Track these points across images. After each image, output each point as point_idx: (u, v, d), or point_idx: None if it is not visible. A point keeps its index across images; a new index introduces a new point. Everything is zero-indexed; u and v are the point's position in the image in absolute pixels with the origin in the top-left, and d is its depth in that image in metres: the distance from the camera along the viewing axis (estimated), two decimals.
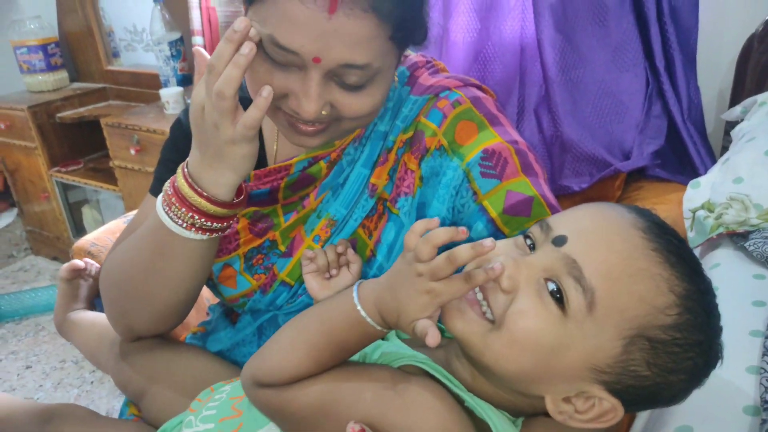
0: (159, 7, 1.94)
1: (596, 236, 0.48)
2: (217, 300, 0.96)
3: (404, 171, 0.71)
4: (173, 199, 0.63)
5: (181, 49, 1.99)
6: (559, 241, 0.48)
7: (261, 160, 0.76)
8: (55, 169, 2.31)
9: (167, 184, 0.64)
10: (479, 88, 0.75)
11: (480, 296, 0.49)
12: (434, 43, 1.39)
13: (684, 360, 0.46)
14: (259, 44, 0.58)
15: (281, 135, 0.75)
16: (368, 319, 0.51)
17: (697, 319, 0.46)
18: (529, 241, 0.51)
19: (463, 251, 0.46)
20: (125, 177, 2.06)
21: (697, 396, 0.61)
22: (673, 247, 0.47)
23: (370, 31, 0.55)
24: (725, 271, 0.80)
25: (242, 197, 0.66)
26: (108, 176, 2.20)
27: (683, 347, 0.45)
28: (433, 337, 0.46)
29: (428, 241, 0.47)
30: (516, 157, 0.66)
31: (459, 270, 0.47)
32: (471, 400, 0.51)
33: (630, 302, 0.45)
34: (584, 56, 1.23)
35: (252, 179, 0.74)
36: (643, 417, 0.66)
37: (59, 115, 2.26)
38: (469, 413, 0.51)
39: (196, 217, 0.63)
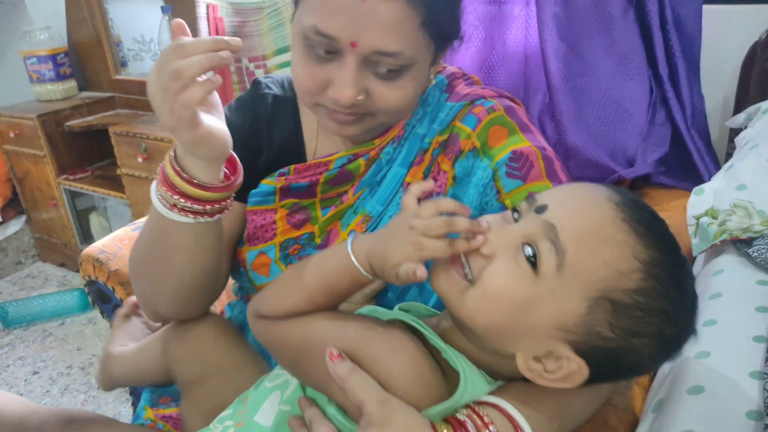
0: (167, 18, 1.96)
1: (574, 205, 0.52)
2: (236, 297, 0.97)
3: (437, 171, 0.75)
4: (158, 178, 0.65)
5: None
6: (541, 209, 0.53)
7: (302, 157, 0.81)
8: (63, 176, 2.34)
9: (159, 166, 0.66)
10: (511, 100, 0.79)
11: (464, 259, 0.53)
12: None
13: (647, 325, 0.48)
14: (304, 41, 0.64)
15: (320, 133, 0.80)
16: (356, 265, 0.56)
17: (663, 286, 0.48)
18: (516, 215, 0.55)
19: (462, 221, 0.52)
20: (132, 185, 2.08)
21: (700, 401, 0.61)
22: (642, 218, 0.50)
23: (400, 13, 0.60)
24: (729, 277, 0.81)
25: (230, 182, 0.66)
26: (115, 184, 2.22)
27: (646, 311, 0.48)
28: (421, 272, 0.51)
29: (436, 204, 0.54)
30: (542, 161, 0.70)
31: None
32: (447, 351, 0.54)
33: (596, 265, 0.48)
34: (588, 64, 1.23)
35: (292, 173, 0.78)
36: (646, 422, 0.66)
37: (68, 123, 2.29)
38: (445, 365, 0.55)
39: (177, 197, 0.63)
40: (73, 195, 2.40)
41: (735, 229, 0.84)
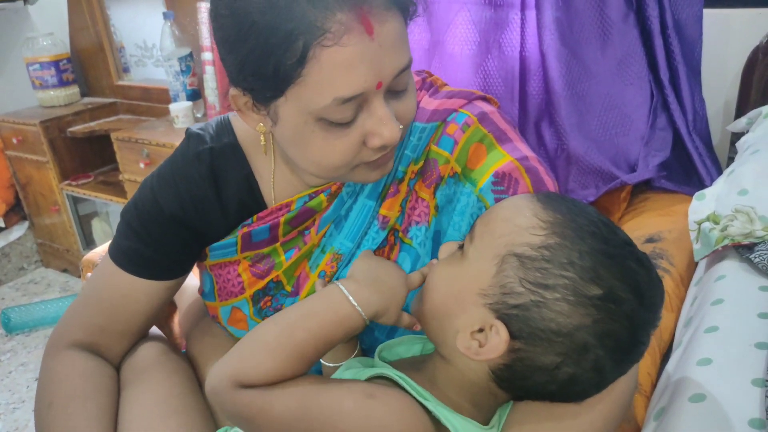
0: (169, 24, 1.97)
1: (498, 203, 0.59)
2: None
3: (415, 200, 0.71)
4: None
5: (190, 64, 2.02)
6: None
7: (261, 204, 0.75)
8: (66, 182, 2.34)
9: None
10: (484, 99, 0.74)
11: None
12: (428, 55, 1.39)
13: (555, 277, 0.50)
14: (317, 123, 0.57)
15: (277, 174, 0.74)
16: (363, 315, 0.59)
17: (568, 241, 0.51)
18: None
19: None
20: (134, 190, 2.08)
21: (702, 409, 0.61)
22: (551, 197, 0.55)
23: (399, 25, 0.57)
24: (731, 283, 0.80)
25: None
26: (117, 189, 2.23)
27: (553, 263, 0.50)
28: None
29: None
30: (527, 176, 0.66)
31: None
32: (433, 408, 0.54)
33: (496, 226, 0.54)
34: (589, 70, 1.23)
35: (255, 221, 0.73)
36: (648, 429, 0.65)
37: (70, 129, 2.30)
38: (436, 422, 0.55)
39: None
40: (76, 200, 2.40)
41: (737, 235, 0.84)
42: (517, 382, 0.54)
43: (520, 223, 0.53)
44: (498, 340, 0.51)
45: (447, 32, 1.32)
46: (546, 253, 0.50)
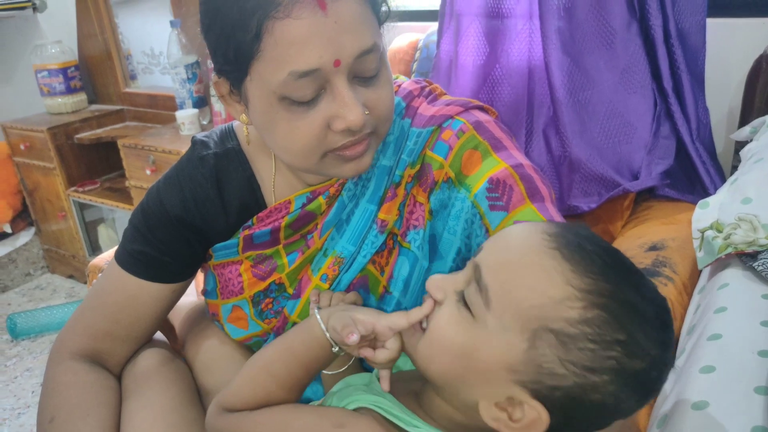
0: (176, 32, 1.99)
1: (501, 241, 0.52)
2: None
3: (413, 204, 0.71)
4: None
5: (196, 71, 2.04)
6: (476, 252, 0.53)
7: (262, 205, 0.76)
8: (73, 188, 2.36)
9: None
10: (481, 109, 0.74)
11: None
12: (445, 68, 1.42)
13: (604, 359, 0.45)
14: (280, 102, 0.59)
15: (277, 175, 0.75)
16: (328, 337, 0.58)
17: (612, 315, 0.45)
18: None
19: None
20: (141, 197, 2.09)
21: (704, 416, 0.61)
22: (579, 246, 0.48)
23: (359, 6, 0.58)
24: (734, 291, 0.80)
25: None
26: (124, 196, 2.24)
27: (599, 344, 0.45)
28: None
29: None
30: (521, 183, 0.66)
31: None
32: None
33: (522, 293, 0.47)
34: (592, 78, 1.24)
35: (255, 223, 0.74)
36: None
37: (77, 136, 2.32)
38: None
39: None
40: (82, 207, 2.42)
41: (740, 243, 0.84)
42: None
43: (553, 294, 0.46)
44: (535, 418, 0.47)
45: (460, 44, 1.33)
46: (588, 330, 0.45)
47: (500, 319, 0.48)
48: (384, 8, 0.65)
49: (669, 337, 0.48)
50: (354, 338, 0.53)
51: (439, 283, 0.53)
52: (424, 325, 0.54)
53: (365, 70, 0.60)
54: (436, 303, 0.53)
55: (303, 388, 0.61)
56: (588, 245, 0.48)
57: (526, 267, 0.48)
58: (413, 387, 0.59)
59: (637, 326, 0.46)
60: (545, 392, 0.46)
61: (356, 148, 0.63)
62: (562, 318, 0.45)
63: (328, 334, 0.58)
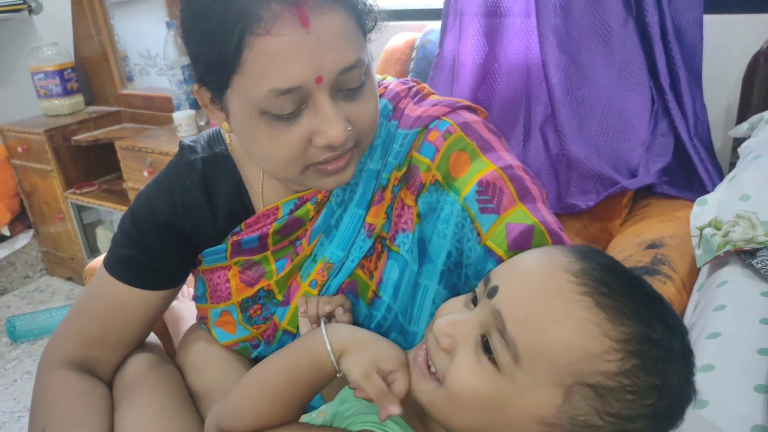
0: (172, 33, 1.98)
1: (521, 284, 0.48)
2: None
3: (401, 207, 0.70)
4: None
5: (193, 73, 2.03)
6: (492, 292, 0.49)
7: (250, 211, 0.75)
8: (70, 191, 2.36)
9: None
10: (469, 109, 0.73)
11: (429, 359, 0.51)
12: (449, 67, 1.41)
13: (641, 407, 0.44)
14: (260, 116, 0.58)
15: (266, 182, 0.74)
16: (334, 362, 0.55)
17: (649, 362, 0.44)
18: (473, 295, 0.52)
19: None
20: None
21: (704, 415, 0.61)
22: (608, 287, 0.45)
23: (341, 21, 0.57)
24: (733, 288, 0.80)
25: None
26: (121, 198, 2.24)
27: (637, 394, 0.43)
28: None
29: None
30: (511, 184, 0.64)
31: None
32: None
33: (557, 349, 0.44)
34: (589, 76, 1.24)
35: (243, 229, 0.74)
36: None
37: (74, 138, 2.31)
38: None
39: None
40: (80, 209, 2.41)
41: (738, 240, 0.84)
42: None
43: (590, 349, 0.43)
44: None
45: (460, 43, 1.33)
46: (626, 381, 0.43)
47: (531, 375, 0.45)
48: (370, 18, 0.63)
49: (692, 364, 0.47)
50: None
51: (449, 330, 0.49)
52: (433, 369, 0.50)
53: (349, 83, 0.59)
54: (444, 349, 0.49)
55: (305, 406, 0.59)
56: (614, 280, 0.46)
57: (558, 321, 0.45)
58: (417, 405, 0.56)
59: (670, 367, 0.45)
60: None
61: (338, 163, 0.63)
62: (600, 372, 0.43)
63: (335, 362, 0.55)
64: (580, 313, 0.44)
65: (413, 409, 0.56)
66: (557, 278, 0.46)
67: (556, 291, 0.46)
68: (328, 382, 0.57)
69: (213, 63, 0.57)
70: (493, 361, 0.46)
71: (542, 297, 0.46)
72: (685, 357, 0.46)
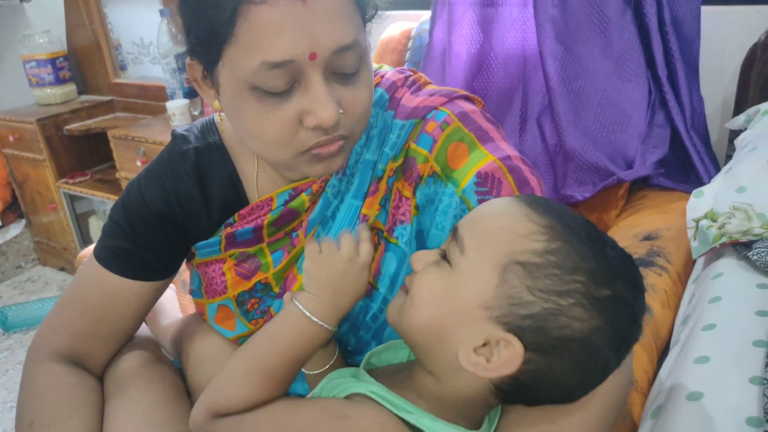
0: (166, 21, 1.96)
1: (477, 208, 0.57)
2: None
3: (399, 199, 0.69)
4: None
5: None
6: (454, 233, 0.57)
7: (244, 202, 0.74)
8: (63, 180, 2.34)
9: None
10: (466, 98, 0.72)
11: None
12: (439, 56, 1.41)
13: (568, 282, 0.48)
14: (251, 91, 0.58)
15: (261, 172, 0.73)
16: (326, 326, 0.60)
17: (572, 246, 0.49)
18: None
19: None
20: None
21: (699, 407, 0.61)
22: (537, 201, 0.53)
23: (342, 0, 0.56)
24: (729, 280, 0.80)
25: None
26: (114, 187, 2.22)
27: (562, 269, 0.48)
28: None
29: (350, 239, 0.64)
30: (509, 175, 0.64)
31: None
32: (416, 421, 0.53)
33: (492, 234, 0.51)
34: (586, 67, 1.23)
35: (237, 220, 0.73)
36: (645, 428, 0.65)
37: (67, 127, 2.29)
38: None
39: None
40: (73, 198, 2.40)
41: (734, 232, 0.84)
42: (522, 393, 0.52)
43: (518, 230, 0.50)
44: (511, 354, 0.49)
45: (453, 32, 1.32)
46: (552, 258, 0.48)
47: (474, 261, 0.51)
48: (372, 5, 0.62)
49: (635, 278, 0.50)
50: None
51: (420, 256, 0.57)
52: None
53: (344, 66, 0.58)
54: (415, 270, 0.56)
55: (290, 382, 0.60)
56: (551, 204, 0.53)
57: (496, 215, 0.53)
58: (402, 376, 0.60)
59: (599, 257, 0.49)
60: (517, 322, 0.49)
61: (329, 147, 0.61)
62: (528, 250, 0.49)
63: (328, 326, 0.60)
64: (512, 208, 0.53)
65: (399, 379, 0.58)
66: (504, 200, 0.55)
67: (498, 204, 0.55)
68: (318, 345, 0.61)
69: (205, 33, 0.56)
70: (448, 261, 0.53)
71: (488, 207, 0.55)
72: (614, 260, 0.50)
